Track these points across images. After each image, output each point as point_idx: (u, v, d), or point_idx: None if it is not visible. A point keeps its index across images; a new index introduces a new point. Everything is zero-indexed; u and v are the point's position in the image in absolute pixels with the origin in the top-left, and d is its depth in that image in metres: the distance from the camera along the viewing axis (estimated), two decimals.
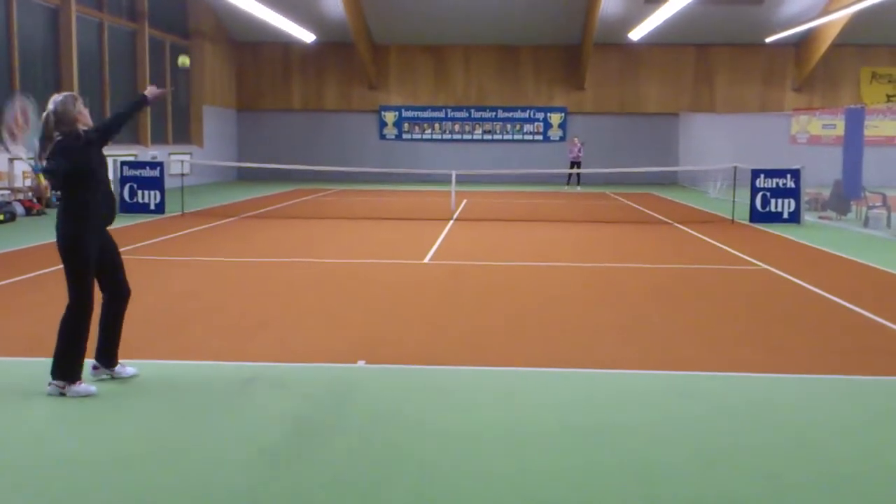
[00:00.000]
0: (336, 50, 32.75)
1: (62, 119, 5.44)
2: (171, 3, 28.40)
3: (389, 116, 33.60)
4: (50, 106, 5.45)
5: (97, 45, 23.68)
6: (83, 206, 5.42)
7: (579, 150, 29.07)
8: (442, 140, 33.57)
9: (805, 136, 31.75)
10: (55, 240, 5.47)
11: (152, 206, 17.65)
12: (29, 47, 20.26)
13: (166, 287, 9.42)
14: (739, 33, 31.43)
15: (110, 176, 20.49)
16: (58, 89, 21.36)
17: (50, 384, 5.45)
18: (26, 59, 20.06)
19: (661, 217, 18.58)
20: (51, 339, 6.94)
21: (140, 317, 7.88)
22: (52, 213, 17.71)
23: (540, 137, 33.36)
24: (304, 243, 13.54)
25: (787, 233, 15.44)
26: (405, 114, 33.56)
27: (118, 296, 5.74)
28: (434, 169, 28.58)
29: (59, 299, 8.51)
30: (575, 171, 27.90)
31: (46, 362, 6.28)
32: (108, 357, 5.77)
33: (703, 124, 28.60)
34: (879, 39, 31.61)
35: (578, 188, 29.17)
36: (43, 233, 14.24)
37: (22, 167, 19.18)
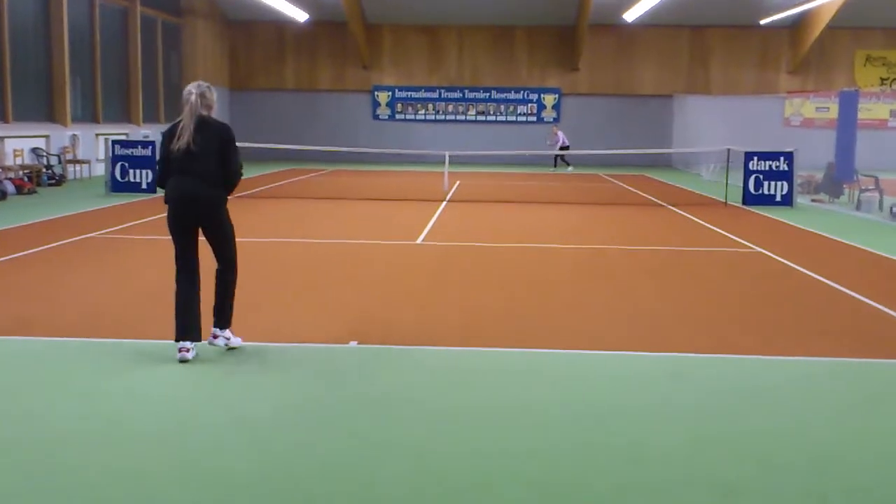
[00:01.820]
0: (329, 29, 32.55)
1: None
2: None
3: (383, 96, 33.46)
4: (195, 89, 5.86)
5: (88, 22, 23.47)
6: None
7: (562, 138, 29.03)
8: (435, 121, 33.45)
9: (798, 118, 31.73)
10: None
11: (144, 185, 17.55)
12: (19, 25, 20.08)
13: (158, 267, 9.39)
14: (734, 15, 31.33)
15: (101, 155, 20.52)
16: (48, 68, 21.24)
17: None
18: (16, 36, 19.88)
19: (654, 199, 18.58)
20: (39, 319, 6.92)
21: (133, 296, 7.86)
22: (44, 193, 17.68)
23: (534, 118, 33.27)
24: (297, 223, 13.50)
25: (779, 215, 15.45)
26: (398, 94, 33.43)
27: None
28: (427, 149, 28.50)
29: (48, 279, 8.48)
30: (562, 152, 27.87)
31: (35, 341, 6.28)
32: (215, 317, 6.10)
33: (698, 106, 28.52)
34: (874, 22, 31.55)
35: (570, 168, 29.15)
36: (34, 212, 14.17)
37: (13, 145, 19.07)
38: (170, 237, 5.98)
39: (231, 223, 6.12)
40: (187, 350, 5.78)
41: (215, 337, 6.02)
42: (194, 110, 5.82)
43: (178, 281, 5.93)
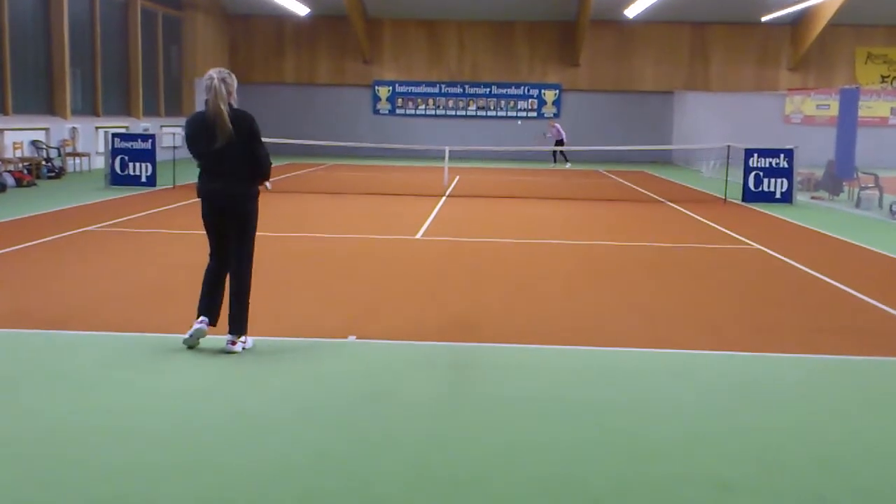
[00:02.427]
0: (330, 23, 32.49)
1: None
2: None
3: (383, 91, 33.41)
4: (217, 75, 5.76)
5: (88, 16, 23.42)
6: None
7: (558, 131, 29.11)
8: (436, 116, 33.41)
9: (799, 115, 31.67)
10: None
11: (143, 179, 17.54)
12: (19, 17, 20.04)
13: (158, 260, 9.39)
14: (735, 12, 31.28)
15: (101, 148, 20.52)
16: (48, 61, 21.21)
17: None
18: (17, 29, 19.84)
19: (654, 196, 18.57)
20: (38, 311, 6.92)
21: (133, 289, 7.86)
22: (43, 185, 17.66)
23: (534, 114, 33.24)
24: (296, 218, 13.49)
25: (779, 213, 15.45)
26: (399, 89, 33.38)
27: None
28: (427, 144, 28.47)
29: (47, 271, 8.48)
30: (559, 148, 27.95)
31: (34, 333, 6.27)
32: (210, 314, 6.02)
33: (698, 103, 28.51)
34: (875, 20, 31.50)
35: (568, 164, 29.15)
36: (34, 204, 14.16)
37: (12, 138, 19.05)
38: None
39: (256, 221, 6.00)
40: (205, 322, 5.89)
41: (233, 343, 5.85)
42: (221, 100, 5.71)
43: (209, 267, 6.03)
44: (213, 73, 5.77)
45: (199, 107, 26.85)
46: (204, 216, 5.98)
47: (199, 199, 6.00)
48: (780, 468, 4.13)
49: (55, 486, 3.79)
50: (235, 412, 4.74)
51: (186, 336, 5.87)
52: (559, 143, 28.82)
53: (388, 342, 6.23)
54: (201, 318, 5.91)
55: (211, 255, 6.06)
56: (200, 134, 5.77)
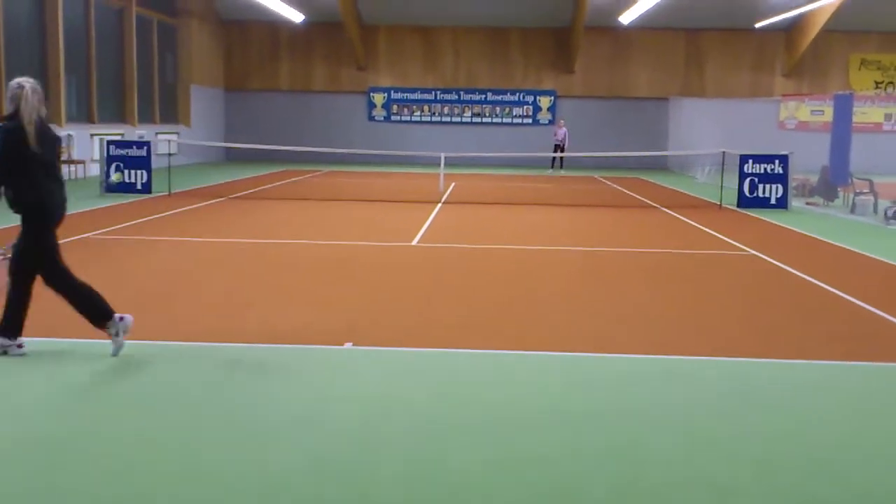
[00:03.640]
0: (324, 30, 32.53)
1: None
2: None
3: (378, 98, 33.45)
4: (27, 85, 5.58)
5: (83, 22, 23.43)
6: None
7: (565, 135, 29.20)
8: (431, 122, 33.45)
9: (793, 121, 31.78)
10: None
11: (139, 186, 17.52)
12: (14, 24, 20.03)
13: (153, 267, 9.37)
14: (730, 18, 31.39)
15: (96, 155, 20.49)
16: (43, 67, 21.19)
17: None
18: (11, 36, 19.83)
19: (649, 202, 18.60)
20: (31, 319, 6.88)
21: (127, 297, 7.83)
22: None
23: (529, 121, 33.30)
24: (292, 225, 13.48)
25: (774, 218, 15.48)
26: (394, 95, 33.42)
27: None
28: (423, 151, 28.50)
29: (41, 279, 8.44)
30: (558, 154, 28.00)
31: (27, 341, 6.25)
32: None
33: (693, 109, 28.58)
34: (869, 26, 31.65)
35: (562, 171, 29.18)
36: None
37: None
38: (38, 248, 5.81)
39: None
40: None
41: (121, 319, 5.87)
42: (43, 107, 5.63)
43: (76, 282, 5.97)
44: (23, 81, 5.57)
45: (195, 115, 26.82)
46: (48, 230, 5.79)
47: (61, 213, 5.96)
48: (779, 473, 4.13)
49: (55, 486, 3.77)
50: (230, 419, 4.72)
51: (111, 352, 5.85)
52: (558, 147, 28.87)
53: (385, 349, 6.22)
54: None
55: (63, 267, 5.94)
56: (35, 140, 5.58)
